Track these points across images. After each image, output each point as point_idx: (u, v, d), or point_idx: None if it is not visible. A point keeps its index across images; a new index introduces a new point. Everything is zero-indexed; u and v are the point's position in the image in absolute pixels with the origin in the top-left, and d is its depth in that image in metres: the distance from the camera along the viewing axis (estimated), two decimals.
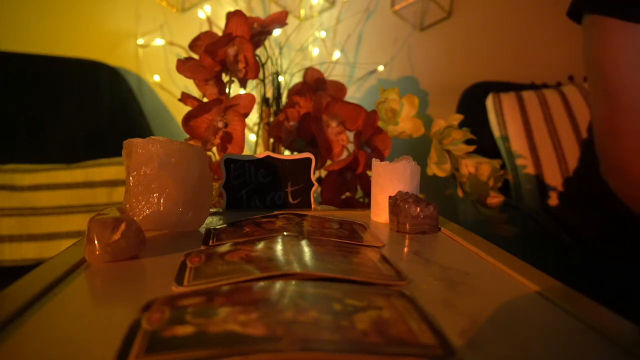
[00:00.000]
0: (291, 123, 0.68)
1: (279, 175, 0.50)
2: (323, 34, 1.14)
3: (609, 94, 0.64)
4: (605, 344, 0.21)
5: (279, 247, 0.32)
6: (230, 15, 0.62)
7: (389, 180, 0.45)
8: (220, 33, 0.64)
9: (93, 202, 0.84)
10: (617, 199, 0.66)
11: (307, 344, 0.18)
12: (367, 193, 0.68)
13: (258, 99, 0.86)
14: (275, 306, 0.22)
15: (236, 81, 0.64)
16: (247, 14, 0.67)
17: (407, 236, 0.40)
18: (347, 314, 0.21)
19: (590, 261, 0.67)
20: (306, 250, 0.32)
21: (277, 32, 1.03)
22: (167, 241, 0.37)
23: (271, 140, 0.85)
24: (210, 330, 0.20)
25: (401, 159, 0.45)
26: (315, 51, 1.14)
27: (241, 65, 0.61)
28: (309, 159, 0.51)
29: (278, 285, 0.25)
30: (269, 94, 0.89)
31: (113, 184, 0.85)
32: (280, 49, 1.07)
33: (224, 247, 0.33)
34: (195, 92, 0.67)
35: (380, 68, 1.19)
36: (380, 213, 0.45)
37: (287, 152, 0.73)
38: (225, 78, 0.64)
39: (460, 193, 0.67)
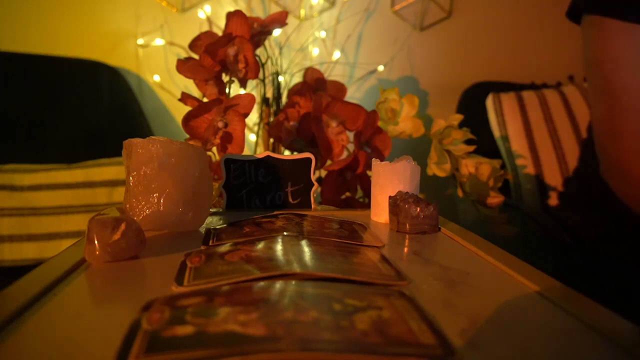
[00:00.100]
0: (291, 123, 0.68)
1: (279, 175, 0.50)
2: (323, 34, 1.14)
3: (608, 94, 0.64)
4: (605, 344, 0.21)
5: (279, 247, 0.32)
6: (230, 15, 0.62)
7: (389, 180, 0.45)
8: (220, 33, 0.64)
9: (93, 202, 0.84)
10: (617, 199, 0.66)
11: (307, 344, 0.18)
12: (367, 193, 0.68)
13: (258, 99, 0.86)
14: (275, 306, 0.22)
15: (236, 81, 0.64)
16: (247, 14, 0.67)
17: (407, 236, 0.40)
18: (347, 314, 0.21)
19: (590, 261, 0.67)
20: (306, 250, 0.32)
21: (277, 32, 1.03)
22: (167, 241, 0.37)
23: (271, 140, 0.85)
24: (210, 330, 0.20)
25: (401, 159, 0.45)
26: (315, 51, 1.14)
27: (241, 65, 0.61)
28: (309, 159, 0.51)
29: (278, 285, 0.25)
30: (269, 94, 0.89)
31: (113, 184, 0.85)
32: (280, 49, 1.07)
33: (224, 247, 0.33)
34: (195, 92, 0.67)
35: (380, 68, 1.19)
36: (380, 213, 0.45)
37: (287, 152, 0.73)
38: (225, 78, 0.64)
39: (460, 193, 0.67)
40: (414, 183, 0.45)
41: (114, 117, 1.00)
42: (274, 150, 0.79)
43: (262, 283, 0.25)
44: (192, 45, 0.65)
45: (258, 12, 1.13)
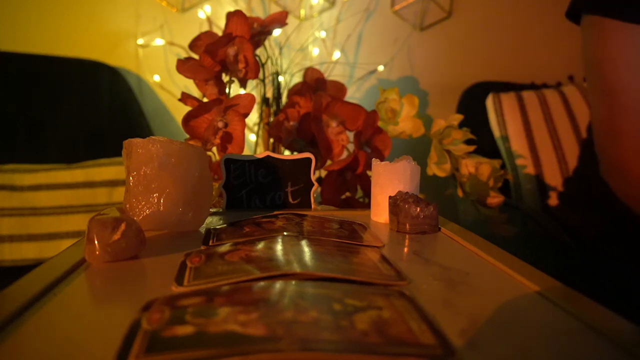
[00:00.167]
0: (291, 123, 0.68)
1: (279, 175, 0.50)
2: (323, 34, 1.14)
3: (608, 94, 0.64)
4: (605, 344, 0.21)
5: (279, 247, 0.32)
6: (230, 15, 0.62)
7: (389, 180, 0.45)
8: (220, 33, 0.64)
9: (93, 202, 0.84)
10: (617, 199, 0.66)
11: (307, 344, 0.18)
12: (367, 193, 0.68)
13: (258, 99, 0.86)
14: (275, 306, 0.22)
15: (236, 81, 0.64)
16: (247, 14, 0.67)
17: (407, 236, 0.40)
18: (347, 314, 0.21)
19: (590, 261, 0.67)
20: (306, 250, 0.32)
21: (277, 32, 1.03)
22: (167, 241, 0.37)
23: (271, 140, 0.85)
24: (210, 330, 0.20)
25: (401, 159, 0.45)
26: (315, 51, 1.14)
27: (241, 65, 0.61)
28: (309, 159, 0.51)
29: (278, 285, 0.25)
30: (269, 94, 0.89)
31: (113, 184, 0.85)
32: (280, 49, 1.07)
33: (224, 247, 0.33)
34: (195, 92, 0.67)
35: (380, 68, 1.19)
36: (380, 213, 0.45)
37: (287, 152, 0.73)
38: (225, 78, 0.64)
39: (460, 193, 0.67)
40: (414, 183, 0.45)
41: (114, 117, 1.00)
42: (274, 150, 0.79)
43: (262, 283, 0.25)
44: (192, 45, 0.65)
45: (258, 12, 1.13)
